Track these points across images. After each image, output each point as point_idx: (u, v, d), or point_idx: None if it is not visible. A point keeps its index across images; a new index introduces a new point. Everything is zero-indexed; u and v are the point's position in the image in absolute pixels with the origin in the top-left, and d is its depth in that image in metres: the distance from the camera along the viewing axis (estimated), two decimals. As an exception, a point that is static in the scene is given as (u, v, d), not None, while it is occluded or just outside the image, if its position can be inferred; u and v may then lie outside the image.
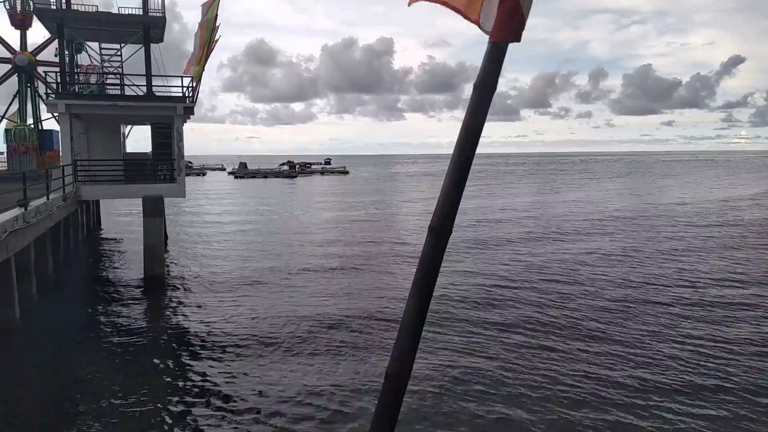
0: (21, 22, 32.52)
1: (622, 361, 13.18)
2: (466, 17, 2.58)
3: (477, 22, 2.54)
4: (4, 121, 33.65)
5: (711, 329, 15.40)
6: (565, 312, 17.06)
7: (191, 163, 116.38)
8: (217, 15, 22.03)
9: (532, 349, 13.92)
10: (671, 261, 24.47)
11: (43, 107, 34.38)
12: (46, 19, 22.82)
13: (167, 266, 23.13)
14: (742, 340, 14.51)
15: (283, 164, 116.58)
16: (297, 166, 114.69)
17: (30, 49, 33.71)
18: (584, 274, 22.20)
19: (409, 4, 2.71)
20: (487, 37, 2.47)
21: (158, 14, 22.82)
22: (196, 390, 11.73)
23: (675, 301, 18.25)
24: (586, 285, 20.39)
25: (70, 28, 23.04)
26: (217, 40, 22.83)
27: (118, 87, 24.55)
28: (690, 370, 12.66)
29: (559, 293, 19.26)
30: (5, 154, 31.09)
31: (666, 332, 15.16)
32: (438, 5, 2.66)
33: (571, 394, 11.42)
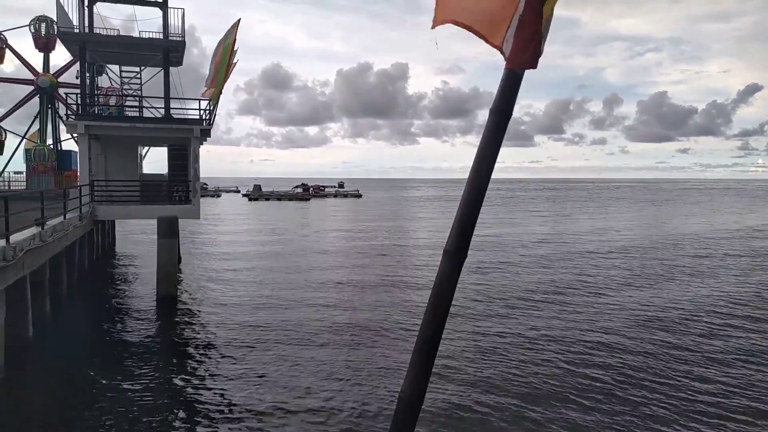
0: (45, 45, 33.31)
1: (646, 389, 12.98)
2: (488, 42, 2.61)
3: (500, 48, 2.57)
4: (25, 140, 34.31)
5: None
6: (587, 336, 16.87)
7: (206, 184, 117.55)
8: (235, 39, 22.41)
9: (553, 378, 13.73)
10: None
11: (62, 128, 35.03)
12: (69, 42, 23.37)
13: (180, 287, 23.22)
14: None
15: (296, 187, 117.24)
16: (310, 189, 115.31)
17: (52, 71, 34.47)
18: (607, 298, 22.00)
19: (432, 27, 2.74)
20: (503, 62, 2.51)
21: (178, 38, 23.30)
22: (204, 410, 11.67)
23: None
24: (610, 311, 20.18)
25: (91, 51, 23.57)
26: (235, 63, 23.20)
27: (137, 109, 24.97)
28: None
29: (580, 320, 19.06)
30: (25, 173, 31.64)
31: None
32: (459, 28, 2.70)
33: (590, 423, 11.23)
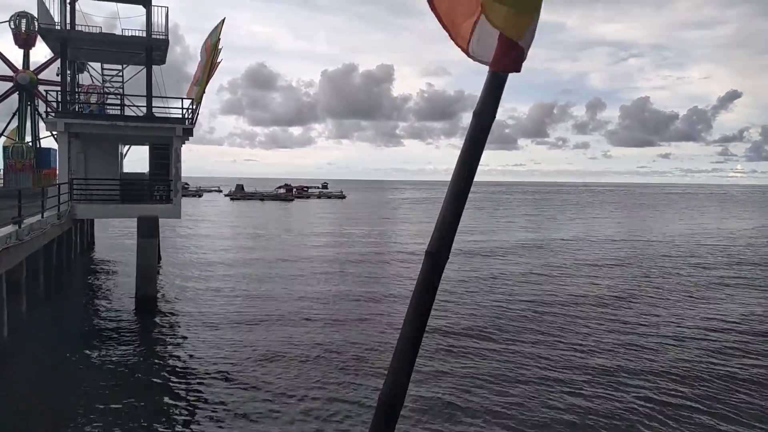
0: (25, 41, 32.82)
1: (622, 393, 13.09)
2: (454, 41, 2.61)
3: (465, 51, 2.58)
4: (3, 138, 33.75)
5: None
6: (563, 341, 16.99)
7: (187, 184, 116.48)
8: (219, 38, 22.26)
9: (529, 379, 13.81)
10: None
11: (42, 125, 34.53)
12: (49, 38, 23.00)
13: (160, 287, 22.98)
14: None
15: (280, 187, 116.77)
16: (294, 189, 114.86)
17: (32, 67, 33.93)
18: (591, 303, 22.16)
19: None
20: (487, 66, 2.52)
21: (161, 37, 23.04)
22: (181, 410, 11.56)
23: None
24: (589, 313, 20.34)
25: (73, 49, 23.23)
26: (219, 62, 23.04)
27: (119, 107, 24.65)
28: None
29: (560, 325, 19.20)
30: (2, 170, 31.13)
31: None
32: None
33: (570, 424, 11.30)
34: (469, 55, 2.60)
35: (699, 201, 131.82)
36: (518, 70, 2.44)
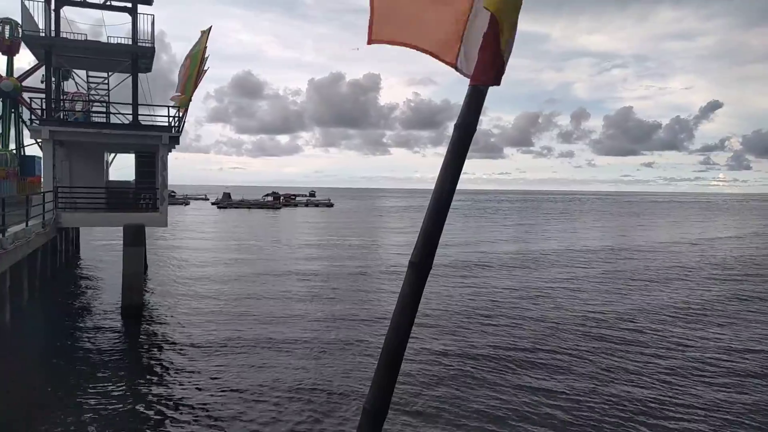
0: (8, 48, 32.61)
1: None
2: (440, 59, 2.68)
3: (453, 65, 2.64)
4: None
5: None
6: (545, 348, 17.04)
7: (174, 192, 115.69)
8: (206, 46, 22.24)
9: (515, 387, 13.84)
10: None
11: (26, 133, 34.27)
12: (34, 46, 22.88)
13: (146, 296, 22.78)
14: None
15: (267, 195, 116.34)
16: (281, 198, 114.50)
17: (16, 74, 33.68)
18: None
19: (369, 43, 2.77)
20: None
21: (147, 44, 22.98)
22: (166, 424, 11.46)
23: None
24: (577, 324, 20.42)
25: (58, 56, 23.10)
26: (206, 71, 23.00)
27: (104, 115, 24.53)
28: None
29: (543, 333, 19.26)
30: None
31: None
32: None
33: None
34: (457, 69, 2.66)
35: (685, 210, 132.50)
36: (498, 84, 2.50)
